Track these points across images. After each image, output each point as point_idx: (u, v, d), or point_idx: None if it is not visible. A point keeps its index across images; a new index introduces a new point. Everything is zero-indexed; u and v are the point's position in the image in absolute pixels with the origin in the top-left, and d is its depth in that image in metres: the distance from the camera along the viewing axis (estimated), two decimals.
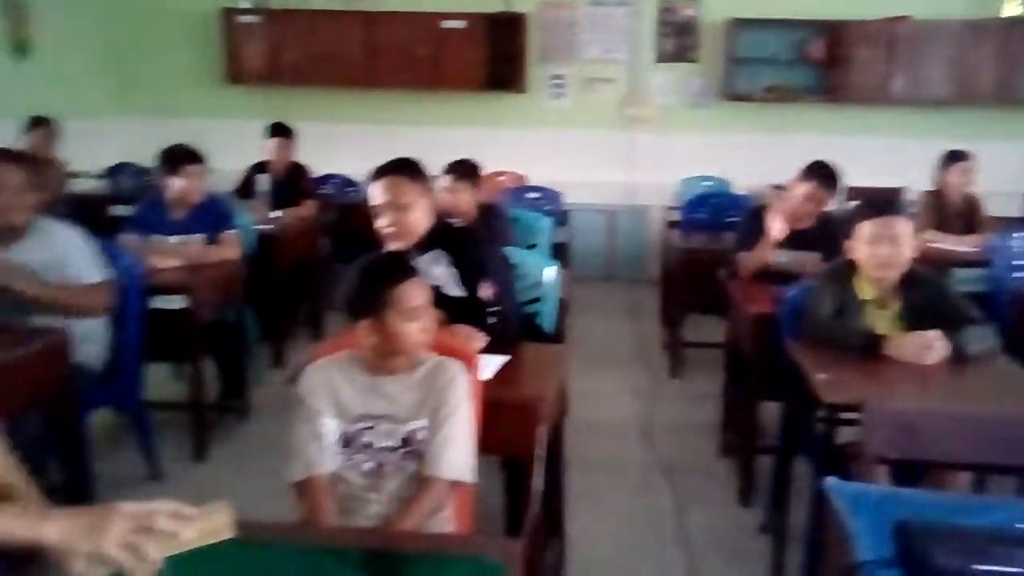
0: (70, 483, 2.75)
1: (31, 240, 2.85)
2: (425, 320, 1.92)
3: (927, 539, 1.32)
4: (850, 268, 2.69)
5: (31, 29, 6.03)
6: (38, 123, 5.15)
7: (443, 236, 2.58)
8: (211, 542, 1.18)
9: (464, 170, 3.84)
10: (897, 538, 1.38)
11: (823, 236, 3.44)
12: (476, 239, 2.69)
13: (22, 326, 2.69)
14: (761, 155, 6.60)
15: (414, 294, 1.90)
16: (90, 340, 2.94)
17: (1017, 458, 1.97)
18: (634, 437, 3.85)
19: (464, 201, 3.77)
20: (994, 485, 2.77)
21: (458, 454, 1.87)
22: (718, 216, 5.10)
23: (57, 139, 5.24)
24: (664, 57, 6.89)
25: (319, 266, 5.18)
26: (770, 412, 3.25)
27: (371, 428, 1.88)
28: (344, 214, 5.63)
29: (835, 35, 6.47)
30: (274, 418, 3.86)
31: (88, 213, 4.63)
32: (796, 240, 3.55)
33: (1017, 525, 1.48)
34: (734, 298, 3.45)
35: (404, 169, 2.51)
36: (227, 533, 1.20)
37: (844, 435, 2.33)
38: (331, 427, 1.89)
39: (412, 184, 2.49)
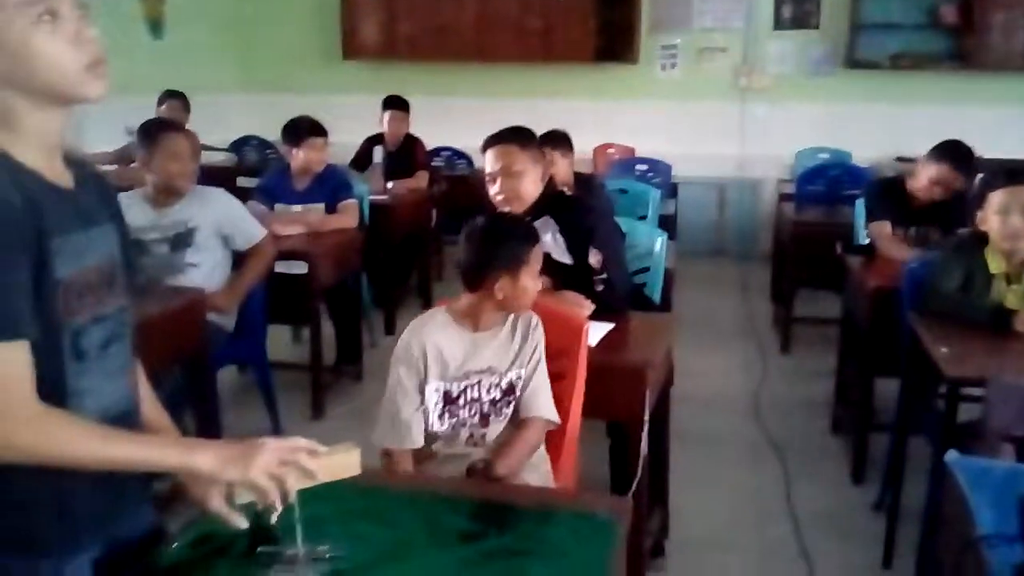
0: (202, 434, 2.95)
1: (192, 201, 3.11)
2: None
3: None
4: (979, 240, 2.56)
5: (165, 8, 6.38)
6: (172, 96, 5.44)
7: (552, 204, 2.60)
8: (341, 477, 1.26)
9: (557, 140, 3.83)
10: (1022, 513, 1.33)
11: (952, 210, 3.26)
12: (585, 207, 2.71)
13: (162, 285, 2.90)
14: (885, 126, 6.30)
15: (541, 255, 1.99)
16: None
17: None
18: (742, 413, 3.80)
19: (561, 171, 3.78)
20: None
21: (547, 397, 1.97)
22: (835, 189, 4.92)
23: (188, 113, 5.54)
24: (782, 24, 6.64)
25: (429, 236, 5.31)
26: (885, 389, 3.16)
27: (477, 383, 1.95)
28: (454, 186, 5.74)
29: None
30: (385, 380, 3.99)
31: (217, 184, 4.88)
32: (926, 214, 3.39)
33: None
34: (853, 271, 3.34)
35: (516, 137, 2.55)
36: (355, 470, 1.28)
37: (965, 413, 2.25)
38: (436, 389, 1.94)
39: (523, 152, 2.53)
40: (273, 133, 6.60)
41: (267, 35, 7.38)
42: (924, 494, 2.47)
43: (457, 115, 6.81)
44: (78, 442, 1.15)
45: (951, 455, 1.61)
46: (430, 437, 1.95)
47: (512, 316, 2.00)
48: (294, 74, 7.34)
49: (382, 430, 1.93)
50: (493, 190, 2.56)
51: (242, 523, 1.24)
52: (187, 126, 5.51)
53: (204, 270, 3.08)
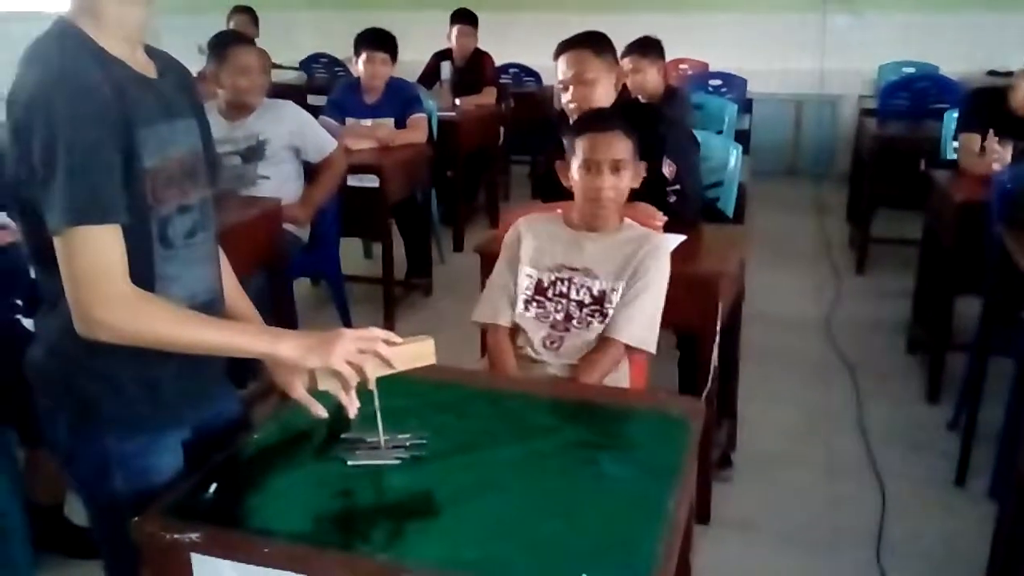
0: None
1: (263, 115, 3.16)
2: (608, 178, 1.97)
3: None
4: None
5: None
6: (240, 11, 5.45)
7: (626, 112, 2.54)
8: (417, 366, 1.30)
9: (648, 47, 3.72)
10: None
11: None
12: (659, 117, 2.65)
13: (238, 195, 2.97)
14: (976, 38, 5.94)
15: (593, 146, 1.97)
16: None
17: None
18: (815, 332, 3.74)
19: (650, 80, 3.68)
20: None
21: (642, 324, 1.93)
22: (921, 103, 4.70)
23: (256, 28, 5.55)
24: None
25: (497, 154, 5.28)
26: (964, 310, 3.07)
27: (568, 279, 1.96)
28: (522, 104, 5.66)
29: None
30: (455, 295, 4.06)
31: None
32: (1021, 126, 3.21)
33: None
34: (938, 186, 3.21)
35: (590, 43, 2.49)
36: (430, 359, 1.31)
37: None
38: (527, 275, 1.98)
39: (597, 59, 2.47)
40: (342, 51, 6.60)
41: None
42: (1001, 415, 2.42)
43: (526, 31, 6.66)
44: (169, 324, 1.20)
45: None
46: (514, 329, 1.98)
47: (635, 232, 2.00)
48: None
49: (479, 308, 2.04)
50: (565, 98, 2.52)
51: (322, 412, 1.29)
52: (256, 42, 5.58)
53: (276, 182, 3.13)
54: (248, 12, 5.43)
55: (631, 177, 2.03)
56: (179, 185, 1.28)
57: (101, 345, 1.19)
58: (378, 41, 3.90)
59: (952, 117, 3.76)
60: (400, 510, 1.24)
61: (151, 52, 1.31)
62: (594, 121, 2.08)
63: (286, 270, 3.01)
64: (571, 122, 2.51)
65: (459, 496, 1.25)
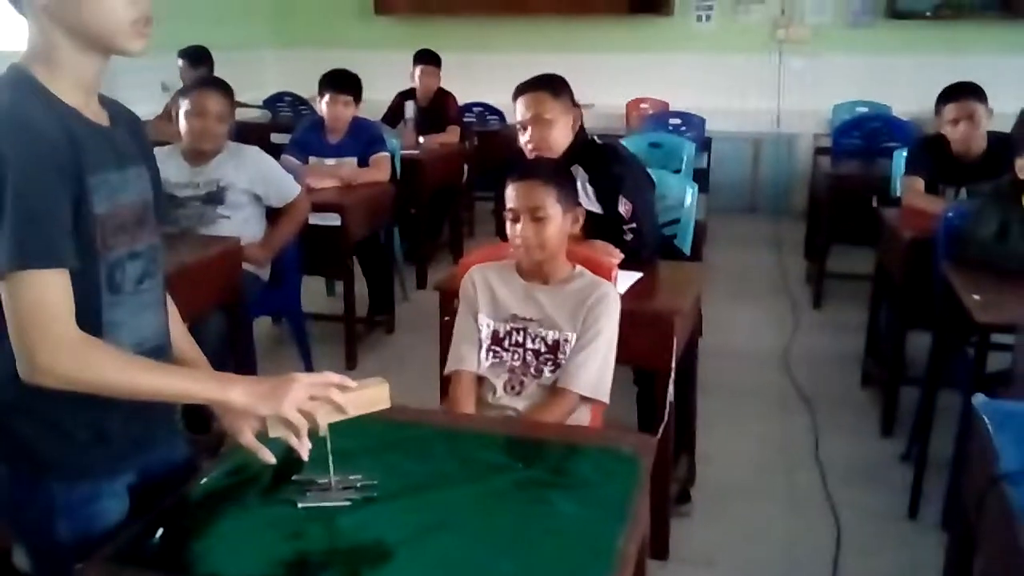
0: None
1: (225, 161, 3.14)
2: (527, 226, 1.94)
3: None
4: (1016, 188, 2.52)
5: None
6: (191, 54, 5.38)
7: (583, 152, 2.61)
8: (371, 411, 1.30)
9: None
10: None
11: (997, 163, 3.19)
12: (616, 156, 2.70)
13: (198, 235, 2.96)
14: (927, 79, 6.07)
15: (514, 195, 1.97)
16: None
17: None
18: (773, 365, 3.80)
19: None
20: None
21: (595, 373, 1.94)
22: (873, 142, 4.84)
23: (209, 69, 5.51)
24: None
25: (460, 192, 5.32)
26: (914, 345, 3.14)
27: (522, 329, 1.98)
28: (485, 142, 5.73)
29: None
30: (418, 333, 4.05)
31: (252, 141, 4.92)
32: (967, 172, 3.33)
33: None
34: (888, 223, 3.30)
35: (547, 85, 2.55)
36: (385, 403, 1.32)
37: (996, 364, 2.24)
38: (486, 324, 2.00)
39: (554, 100, 2.52)
40: (306, 89, 6.65)
41: None
42: (951, 446, 2.47)
43: (489, 70, 6.76)
44: (116, 370, 1.20)
45: (978, 397, 1.62)
46: (482, 380, 2.01)
47: (584, 280, 2.01)
48: (327, 30, 7.33)
49: (449, 360, 2.04)
50: (523, 138, 2.56)
51: (270, 458, 1.29)
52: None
53: (236, 222, 3.12)
54: (190, 56, 5.33)
55: (560, 224, 1.97)
56: (129, 232, 1.29)
57: (46, 390, 1.18)
58: (342, 83, 3.93)
59: (902, 156, 3.88)
60: (353, 553, 1.23)
61: (102, 100, 1.33)
62: (517, 171, 2.05)
63: (246, 309, 3.00)
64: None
65: (411, 537, 1.25)
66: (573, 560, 1.20)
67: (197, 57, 5.20)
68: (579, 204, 2.09)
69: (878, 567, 2.40)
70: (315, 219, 3.44)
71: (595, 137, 2.74)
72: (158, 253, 1.38)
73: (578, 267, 2.07)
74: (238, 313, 2.91)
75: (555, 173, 2.04)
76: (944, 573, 2.04)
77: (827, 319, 4.36)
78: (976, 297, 2.17)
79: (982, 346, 2.14)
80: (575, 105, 2.63)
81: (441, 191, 4.99)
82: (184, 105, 3.07)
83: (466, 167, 5.41)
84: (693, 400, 2.67)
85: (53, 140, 1.17)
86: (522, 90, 2.55)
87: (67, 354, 1.17)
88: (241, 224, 3.12)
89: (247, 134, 5.51)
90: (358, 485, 1.35)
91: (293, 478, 1.37)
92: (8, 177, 1.12)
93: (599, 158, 2.63)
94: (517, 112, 2.57)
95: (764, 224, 6.36)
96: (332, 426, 1.29)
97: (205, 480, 1.41)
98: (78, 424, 1.27)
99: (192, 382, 1.28)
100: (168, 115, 4.79)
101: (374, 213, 3.84)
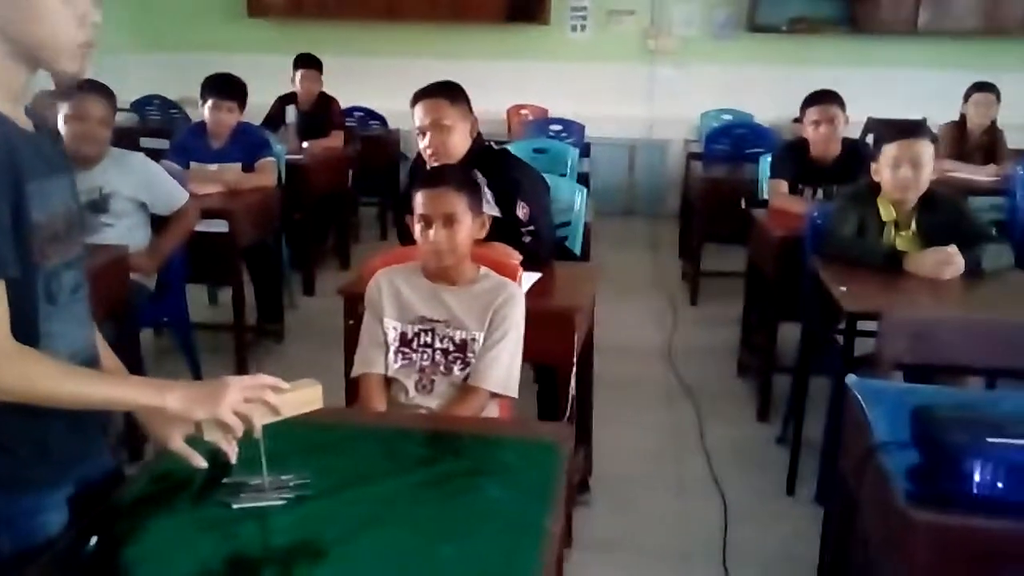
0: None
1: (109, 167, 3.03)
2: (439, 232, 2.00)
3: (942, 421, 1.45)
4: (872, 190, 2.78)
5: None
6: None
7: (481, 158, 2.68)
8: (304, 411, 1.33)
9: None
10: (914, 422, 1.51)
11: (850, 166, 3.49)
12: (513, 162, 2.79)
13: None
14: (785, 88, 6.53)
15: (426, 201, 2.02)
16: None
17: None
18: (656, 360, 4.00)
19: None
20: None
21: (504, 369, 2.02)
22: (740, 148, 5.16)
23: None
24: None
25: (346, 196, 5.29)
26: (784, 337, 3.40)
27: (430, 330, 2.03)
28: (367, 147, 5.72)
29: None
30: (308, 341, 4.02)
31: (122, 145, 4.73)
32: (824, 174, 3.63)
33: None
34: (758, 223, 3.55)
35: (445, 92, 2.61)
36: (318, 404, 1.34)
37: (859, 349, 2.47)
38: (393, 327, 2.04)
39: (452, 107, 2.59)
40: (176, 93, 6.43)
41: None
42: (822, 428, 2.70)
43: (369, 75, 6.75)
44: (55, 380, 1.19)
45: (851, 378, 1.80)
46: (391, 381, 2.03)
47: (490, 282, 2.07)
48: (197, 33, 7.10)
49: (355, 364, 2.06)
50: (423, 143, 2.62)
51: (201, 462, 1.29)
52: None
53: (120, 230, 3.02)
54: None
55: (470, 229, 2.05)
56: (62, 241, 1.27)
57: None
58: (226, 89, 3.85)
59: (766, 161, 4.18)
60: (289, 552, 1.26)
61: (25, 110, 1.30)
62: (427, 177, 2.12)
63: (133, 320, 2.90)
64: (427, 167, 2.62)
65: (347, 533, 1.28)
66: (506, 541, 1.27)
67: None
68: (484, 209, 2.15)
69: (763, 540, 2.60)
70: (202, 226, 3.36)
71: (492, 143, 2.82)
72: (83, 263, 1.36)
73: (483, 269, 2.14)
74: (126, 324, 2.81)
75: (465, 180, 2.10)
76: (822, 542, 2.25)
77: (703, 314, 4.62)
78: (843, 288, 2.39)
79: (850, 332, 2.36)
80: (471, 112, 2.71)
81: (326, 196, 4.95)
82: (64, 109, 2.94)
83: (350, 172, 5.39)
84: (590, 394, 2.80)
85: None
86: (420, 96, 2.61)
87: (5, 365, 1.14)
88: (125, 232, 3.02)
89: (117, 138, 5.29)
90: (291, 484, 1.37)
91: (224, 480, 1.37)
92: None
93: (496, 163, 2.71)
94: (416, 118, 2.62)
95: (640, 226, 6.64)
96: (264, 426, 1.31)
97: (134, 487, 1.39)
98: (20, 439, 1.24)
99: (128, 388, 1.28)
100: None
101: (262, 219, 3.79)
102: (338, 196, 5.15)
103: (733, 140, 5.28)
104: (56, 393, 1.19)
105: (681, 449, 3.16)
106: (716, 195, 4.60)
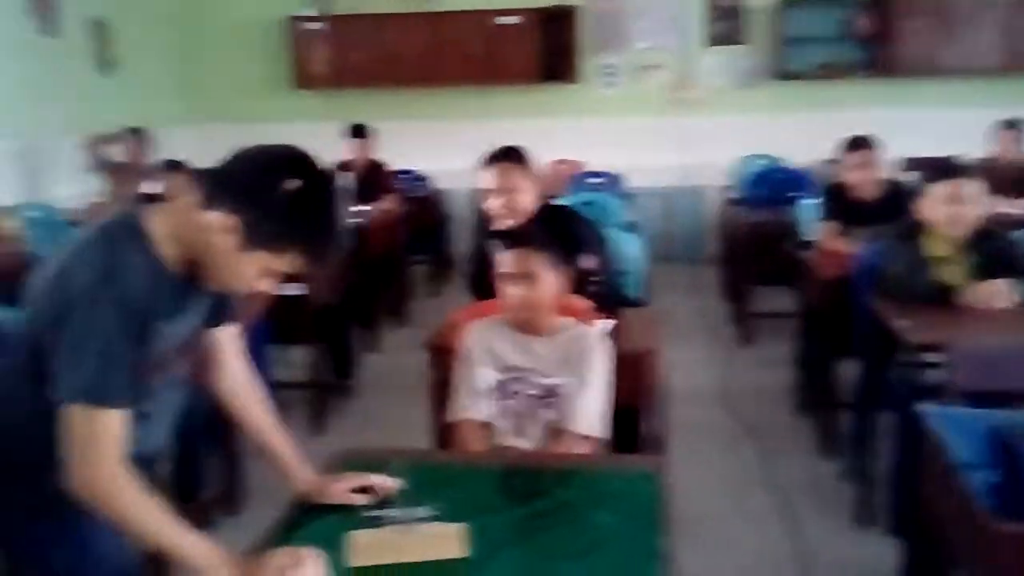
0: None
1: None
2: (520, 287, 2.16)
3: (1020, 440, 1.57)
4: (919, 227, 2.91)
5: (116, 46, 6.44)
6: (133, 133, 5.50)
7: (544, 214, 2.86)
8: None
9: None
10: (992, 443, 1.63)
11: (892, 205, 3.63)
12: (574, 216, 2.97)
13: None
14: (813, 132, 6.73)
15: (509, 261, 2.20)
16: None
17: None
18: (712, 402, 4.10)
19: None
20: None
21: (592, 412, 2.15)
22: (779, 191, 5.31)
23: (149, 147, 5.59)
24: (713, 41, 7.09)
25: (399, 256, 5.51)
26: (839, 372, 3.49)
27: (520, 378, 2.18)
28: (413, 207, 5.96)
29: (882, 9, 6.61)
30: (378, 394, 4.19)
31: None
32: (867, 214, 3.77)
33: None
34: (807, 265, 3.68)
35: (511, 156, 2.82)
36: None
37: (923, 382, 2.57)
38: (488, 376, 2.19)
39: (521, 170, 2.80)
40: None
41: (219, 67, 7.48)
42: (886, 460, 2.79)
43: (411, 138, 7.03)
44: (139, 514, 1.33)
45: (923, 406, 1.91)
46: (488, 425, 2.18)
47: (575, 330, 2.21)
48: (246, 104, 7.44)
49: (451, 409, 2.20)
50: (492, 204, 2.81)
51: None
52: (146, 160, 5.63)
53: None
54: (139, 133, 5.42)
55: (552, 285, 2.19)
56: (167, 366, 1.44)
57: (40, 452, 1.35)
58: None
59: (805, 204, 4.36)
60: (434, 567, 1.40)
61: None
62: (511, 237, 2.29)
63: None
64: (496, 226, 2.82)
65: (483, 555, 1.42)
66: (625, 563, 1.41)
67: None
68: (566, 265, 2.28)
69: (840, 573, 2.67)
70: (281, 289, 3.55)
71: (551, 200, 3.01)
72: (183, 377, 1.53)
73: (566, 318, 2.29)
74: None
75: (545, 239, 2.26)
76: (901, 569, 2.32)
77: (756, 355, 4.72)
78: (903, 322, 2.51)
79: (912, 364, 2.47)
80: (534, 174, 2.90)
81: (381, 257, 5.16)
82: (154, 187, 3.17)
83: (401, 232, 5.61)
84: (666, 434, 2.91)
85: (138, 296, 1.32)
86: (491, 160, 2.81)
87: (104, 487, 1.31)
88: None
89: None
90: (424, 516, 1.52)
91: (364, 515, 1.53)
92: (96, 317, 1.28)
93: (558, 218, 2.89)
94: (485, 180, 2.82)
95: (680, 271, 6.76)
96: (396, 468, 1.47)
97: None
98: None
99: (192, 550, 1.35)
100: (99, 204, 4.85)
101: (334, 281, 3.99)
102: (393, 255, 5.36)
103: (771, 184, 5.44)
104: (134, 525, 1.33)
105: (749, 487, 3.26)
106: (760, 238, 4.75)
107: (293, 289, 3.59)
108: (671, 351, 4.59)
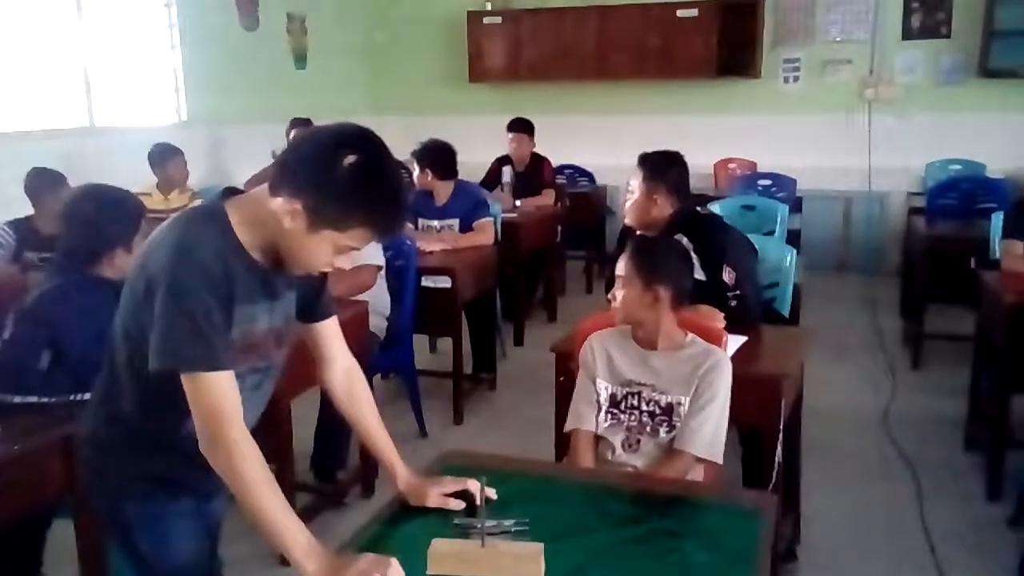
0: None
1: None
2: (617, 292, 2.17)
3: None
4: None
5: (308, 41, 6.89)
6: (302, 123, 5.77)
7: (686, 222, 2.77)
8: None
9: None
10: None
11: None
12: (718, 226, 2.85)
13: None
14: (1018, 136, 6.11)
15: (619, 267, 2.19)
16: (377, 312, 3.44)
17: None
18: (872, 427, 3.82)
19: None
20: None
21: (709, 435, 2.07)
22: (968, 202, 4.85)
23: None
24: (911, 34, 6.55)
25: (554, 251, 5.53)
26: (1020, 407, 3.15)
27: (637, 393, 2.13)
28: (576, 203, 5.95)
29: None
30: (518, 390, 4.23)
31: None
32: None
33: None
34: (988, 287, 3.34)
35: (649, 165, 2.77)
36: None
37: None
38: (604, 388, 2.16)
39: (653, 180, 2.77)
40: (403, 154, 7.01)
41: (401, 62, 7.82)
42: None
43: (579, 133, 7.04)
44: (252, 484, 1.37)
45: None
46: (600, 440, 2.16)
47: (698, 347, 2.16)
48: (425, 98, 7.73)
49: (568, 419, 2.21)
50: (627, 207, 2.78)
51: None
52: None
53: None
54: (307, 124, 5.72)
55: (639, 297, 2.14)
56: (259, 351, 1.50)
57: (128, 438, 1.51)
58: (427, 157, 4.16)
59: (999, 217, 3.92)
60: None
61: None
62: (622, 241, 2.33)
63: (369, 367, 3.22)
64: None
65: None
66: None
67: (305, 126, 5.58)
68: (665, 283, 2.14)
69: None
70: (427, 281, 3.69)
71: (698, 208, 2.90)
72: (278, 370, 1.59)
73: (690, 335, 2.21)
74: (364, 371, 3.13)
75: (645, 251, 2.20)
76: None
77: (927, 380, 4.35)
78: None
79: None
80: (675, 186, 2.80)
81: (536, 251, 5.20)
82: None
83: (559, 228, 5.62)
84: (798, 461, 2.75)
85: (214, 274, 1.38)
86: (639, 161, 2.78)
87: (226, 449, 1.37)
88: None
89: None
90: (512, 530, 1.52)
91: (456, 521, 1.55)
92: (182, 288, 1.35)
93: (703, 228, 2.79)
94: (630, 184, 2.79)
95: (856, 282, 6.35)
96: (486, 475, 1.47)
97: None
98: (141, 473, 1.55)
99: (289, 535, 1.36)
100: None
101: (481, 275, 4.07)
102: (547, 251, 5.39)
103: (961, 194, 4.97)
104: (245, 489, 1.36)
105: (898, 524, 3.01)
106: (941, 253, 4.35)
107: (439, 282, 3.71)
108: (828, 369, 4.38)
